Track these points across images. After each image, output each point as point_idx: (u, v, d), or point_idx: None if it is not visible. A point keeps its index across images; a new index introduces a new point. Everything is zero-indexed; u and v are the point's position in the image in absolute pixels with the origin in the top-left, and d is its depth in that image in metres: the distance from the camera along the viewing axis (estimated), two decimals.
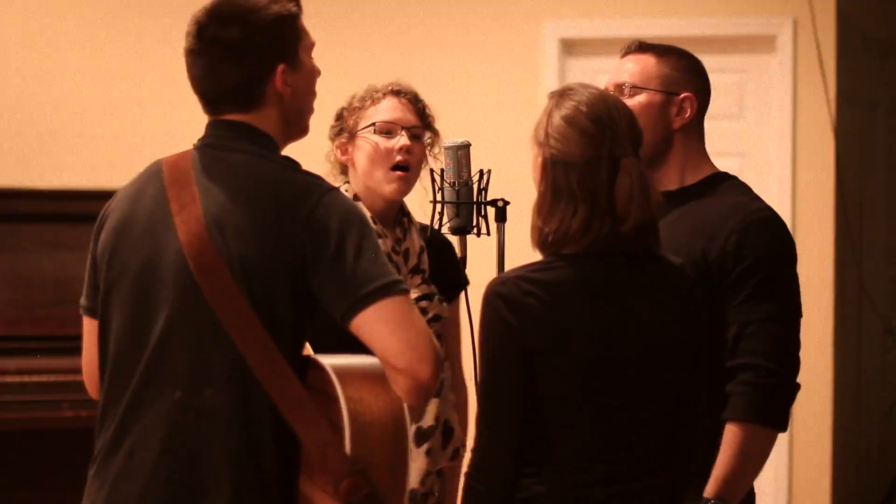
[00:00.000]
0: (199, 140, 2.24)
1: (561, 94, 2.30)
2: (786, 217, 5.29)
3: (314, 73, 2.26)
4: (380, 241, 2.91)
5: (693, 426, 2.34)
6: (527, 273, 2.23)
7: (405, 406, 2.05)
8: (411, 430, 2.87)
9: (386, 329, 2.06)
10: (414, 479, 2.89)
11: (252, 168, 2.16)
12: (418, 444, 2.91)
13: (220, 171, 2.16)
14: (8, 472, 4.80)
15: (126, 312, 2.18)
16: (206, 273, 2.09)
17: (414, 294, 2.95)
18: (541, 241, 2.27)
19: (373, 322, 2.06)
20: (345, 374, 2.06)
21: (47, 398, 4.60)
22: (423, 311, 2.96)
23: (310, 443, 2.05)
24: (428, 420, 2.93)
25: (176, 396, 2.12)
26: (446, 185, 2.86)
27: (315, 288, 2.10)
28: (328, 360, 2.11)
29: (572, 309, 2.21)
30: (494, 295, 2.21)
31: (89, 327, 2.29)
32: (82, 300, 2.30)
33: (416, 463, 2.90)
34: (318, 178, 2.18)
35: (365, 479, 2.01)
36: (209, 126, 2.24)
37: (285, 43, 2.20)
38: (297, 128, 2.27)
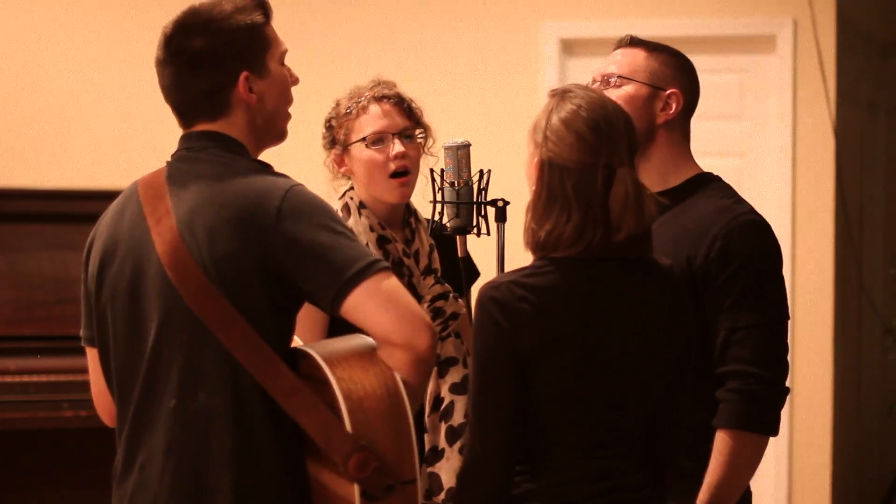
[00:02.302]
0: (171, 155, 2.27)
1: (562, 96, 2.29)
2: (786, 217, 5.29)
3: (286, 80, 2.28)
4: (389, 245, 2.93)
5: (677, 425, 2.35)
6: (519, 278, 2.23)
7: (398, 376, 2.07)
8: (443, 427, 2.91)
9: (376, 307, 2.08)
10: (451, 478, 2.91)
11: (220, 172, 2.18)
12: (451, 443, 2.93)
13: (191, 180, 2.19)
14: (8, 472, 4.81)
15: (121, 333, 2.21)
16: (184, 278, 2.12)
17: (429, 296, 2.95)
18: (533, 242, 2.27)
19: (362, 303, 2.09)
20: (332, 357, 2.09)
21: (47, 398, 4.60)
22: (441, 312, 2.96)
23: (311, 428, 2.08)
24: (458, 418, 2.95)
25: (171, 404, 2.15)
26: (446, 185, 2.85)
27: (297, 283, 2.12)
28: (314, 348, 2.13)
29: (565, 314, 2.21)
30: (488, 299, 2.21)
31: (92, 357, 2.32)
32: (82, 331, 2.33)
33: (452, 462, 2.92)
34: (284, 176, 2.20)
35: (371, 454, 2.03)
36: (181, 140, 2.27)
37: (249, 51, 2.22)
38: (271, 134, 2.29)
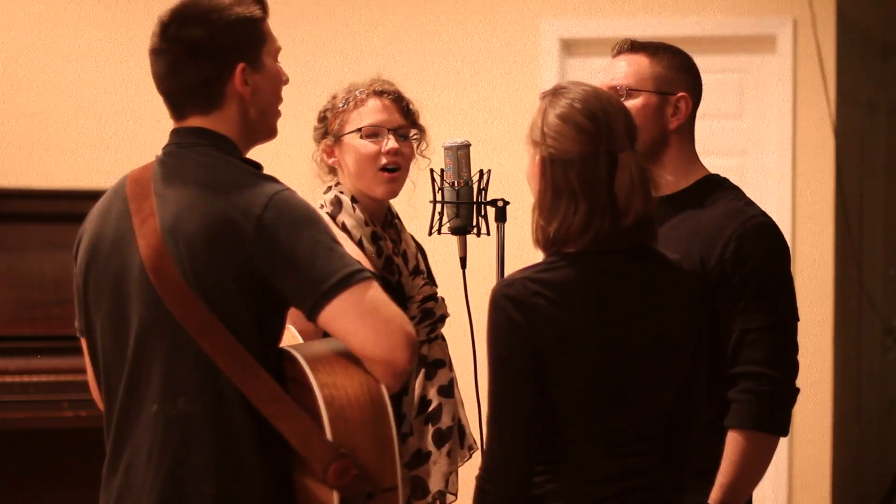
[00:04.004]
0: (162, 149, 2.25)
1: (554, 93, 2.30)
2: (786, 217, 5.29)
3: (279, 76, 2.27)
4: (381, 242, 2.92)
5: (693, 422, 2.35)
6: (533, 274, 2.23)
7: (382, 384, 2.07)
8: (430, 431, 2.90)
9: (353, 322, 2.06)
10: (439, 482, 2.90)
11: (205, 175, 2.16)
12: (439, 446, 2.91)
13: (176, 181, 2.17)
14: (8, 472, 4.81)
15: (107, 331, 2.21)
16: (166, 284, 2.11)
17: (419, 296, 2.95)
18: (544, 239, 2.27)
19: (338, 316, 2.07)
20: (316, 360, 2.08)
21: (47, 398, 4.60)
22: (430, 313, 2.95)
23: (291, 435, 2.07)
24: (446, 421, 2.93)
25: (153, 409, 2.14)
26: (446, 185, 2.85)
27: (278, 289, 2.11)
28: (300, 349, 2.12)
29: (580, 308, 2.21)
30: (502, 297, 2.20)
31: (86, 347, 2.31)
32: (76, 322, 2.32)
33: (439, 465, 2.91)
34: (270, 180, 2.17)
35: (351, 462, 2.02)
36: (172, 134, 2.25)
37: (247, 44, 2.21)
38: (262, 130, 2.27)
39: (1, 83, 5.50)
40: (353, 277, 2.08)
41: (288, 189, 2.16)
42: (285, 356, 2.16)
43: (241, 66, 2.20)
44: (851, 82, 5.60)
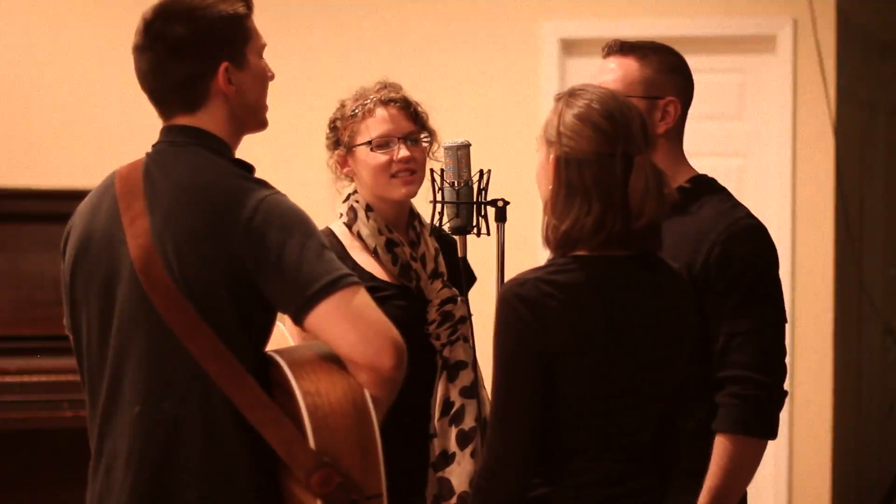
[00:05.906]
0: (152, 147, 2.25)
1: (570, 94, 2.31)
2: (786, 217, 5.29)
3: (264, 73, 2.26)
4: (398, 249, 2.92)
5: (681, 428, 2.36)
6: (545, 275, 2.22)
7: (365, 390, 2.06)
8: (453, 432, 2.90)
9: (338, 326, 2.06)
10: (463, 482, 2.90)
11: (195, 177, 2.16)
12: (462, 447, 2.91)
13: (166, 182, 2.17)
14: (8, 472, 4.81)
15: (93, 330, 2.21)
16: (155, 286, 2.10)
17: (437, 300, 2.94)
18: (555, 238, 2.26)
19: (324, 320, 2.06)
20: (299, 366, 2.07)
21: (47, 398, 4.60)
22: (450, 315, 2.95)
23: (275, 442, 2.06)
24: (468, 422, 2.93)
25: (135, 411, 2.14)
26: (446, 185, 2.85)
27: (265, 293, 2.11)
28: (284, 354, 2.11)
29: (591, 311, 2.21)
30: (513, 296, 2.20)
31: (73, 344, 2.31)
32: (65, 320, 2.31)
33: (463, 466, 2.91)
34: (260, 183, 2.17)
35: (335, 470, 2.02)
36: (162, 132, 2.25)
37: (230, 42, 2.21)
38: (251, 124, 2.27)
39: (1, 83, 5.50)
40: (339, 282, 2.07)
41: (278, 192, 2.16)
42: (269, 361, 2.14)
43: (224, 64, 2.20)
44: (851, 82, 5.60)
